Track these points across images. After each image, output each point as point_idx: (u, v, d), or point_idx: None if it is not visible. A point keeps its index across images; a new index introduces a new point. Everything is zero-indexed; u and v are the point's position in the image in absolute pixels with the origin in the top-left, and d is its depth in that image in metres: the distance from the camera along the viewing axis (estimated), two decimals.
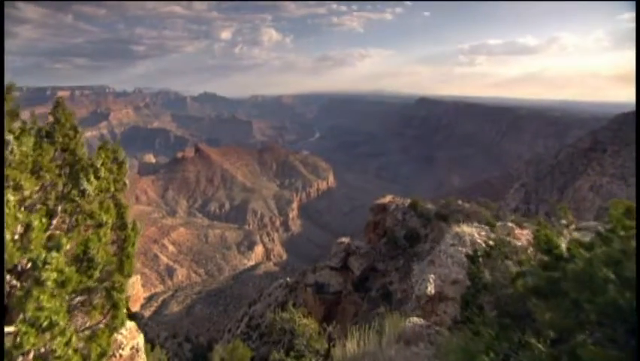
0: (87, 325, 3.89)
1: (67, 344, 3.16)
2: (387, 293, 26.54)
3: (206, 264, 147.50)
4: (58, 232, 3.78)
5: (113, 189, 4.44)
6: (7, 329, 3.13)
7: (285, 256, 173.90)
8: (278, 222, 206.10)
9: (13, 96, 4.06)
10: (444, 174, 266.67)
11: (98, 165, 4.20)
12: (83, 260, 3.52)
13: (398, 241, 29.45)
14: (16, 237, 3.17)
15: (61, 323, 3.08)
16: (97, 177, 4.13)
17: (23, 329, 2.88)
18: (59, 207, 3.89)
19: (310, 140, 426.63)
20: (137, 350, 5.81)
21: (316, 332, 7.74)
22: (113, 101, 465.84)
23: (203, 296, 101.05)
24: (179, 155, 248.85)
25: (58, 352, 3.17)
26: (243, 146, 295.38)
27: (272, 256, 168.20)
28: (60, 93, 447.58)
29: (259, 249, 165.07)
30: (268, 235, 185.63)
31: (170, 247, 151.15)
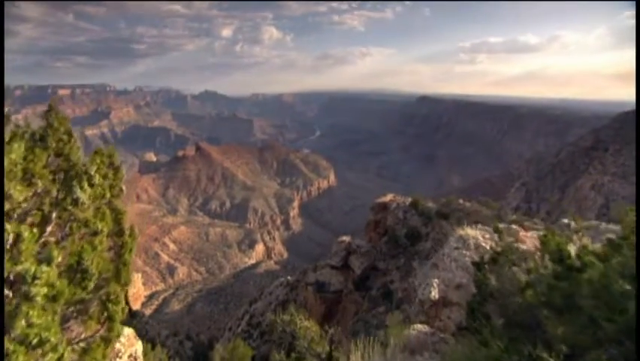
0: (82, 336, 3.76)
1: (60, 360, 3.03)
2: (387, 292, 26.51)
3: (207, 262, 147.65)
4: (53, 238, 3.68)
5: (108, 195, 4.31)
6: None
7: (285, 255, 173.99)
8: (279, 221, 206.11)
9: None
10: (445, 172, 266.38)
11: (92, 172, 4.07)
12: (76, 271, 3.40)
13: (399, 239, 29.40)
14: (7, 247, 3.02)
15: (53, 339, 2.96)
16: (91, 185, 4.00)
17: (12, 347, 2.75)
18: (54, 214, 3.78)
19: (311, 138, 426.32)
20: (136, 358, 5.68)
21: (318, 335, 7.66)
22: (114, 99, 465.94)
23: (204, 294, 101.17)
24: (180, 153, 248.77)
25: None
26: (243, 144, 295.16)
27: (273, 255, 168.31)
28: (61, 92, 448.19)
29: (260, 247, 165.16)
30: (269, 233, 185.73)
31: (171, 246, 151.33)
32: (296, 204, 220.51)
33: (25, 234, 3.06)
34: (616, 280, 2.62)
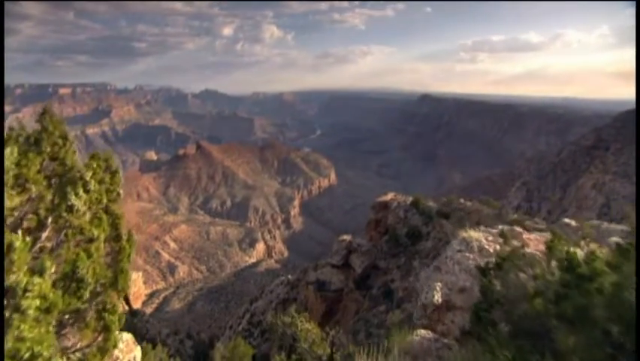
0: (78, 346, 3.66)
1: None
2: (388, 291, 26.47)
3: (208, 261, 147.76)
4: (49, 244, 3.60)
5: (105, 200, 4.22)
6: None
7: (286, 254, 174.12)
8: (279, 220, 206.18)
9: None
10: (445, 171, 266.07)
11: (88, 178, 3.97)
12: (72, 280, 3.32)
13: (400, 238, 29.33)
14: None
15: (46, 353, 2.85)
16: (86, 191, 3.91)
17: None
18: (50, 219, 3.69)
19: (311, 137, 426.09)
20: None
21: (319, 338, 7.61)
22: (115, 98, 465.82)
23: (205, 293, 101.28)
24: (181, 152, 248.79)
25: None
26: (244, 143, 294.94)
27: (273, 254, 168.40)
28: (62, 90, 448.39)
29: (260, 246, 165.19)
30: (269, 232, 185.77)
31: (172, 244, 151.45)
32: (296, 202, 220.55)
33: (17, 243, 2.95)
34: (631, 293, 2.53)
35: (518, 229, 9.41)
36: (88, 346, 3.65)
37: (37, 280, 2.94)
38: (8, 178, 3.17)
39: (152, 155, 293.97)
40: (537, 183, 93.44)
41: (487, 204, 30.76)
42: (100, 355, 3.65)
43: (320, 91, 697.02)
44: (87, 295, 3.48)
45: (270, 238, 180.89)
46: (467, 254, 7.40)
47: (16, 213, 3.39)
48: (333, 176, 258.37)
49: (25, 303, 2.83)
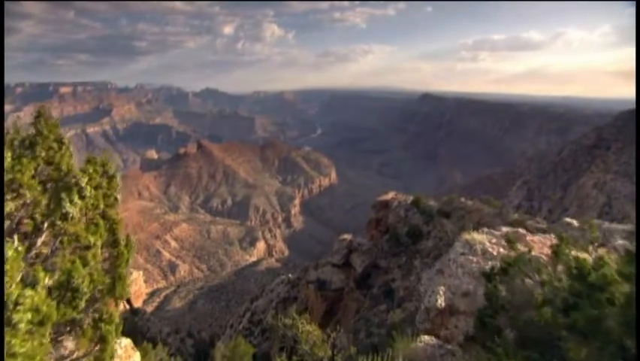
0: (75, 356, 3.59)
1: None
2: (389, 290, 26.44)
3: (209, 260, 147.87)
4: (45, 250, 3.52)
5: (102, 205, 4.12)
6: None
7: (286, 253, 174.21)
8: (280, 219, 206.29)
9: None
10: (446, 170, 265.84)
11: (83, 184, 3.85)
12: (67, 289, 3.23)
13: (400, 238, 29.27)
14: None
15: None
16: (82, 197, 3.80)
17: None
18: (45, 224, 3.60)
19: (312, 136, 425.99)
20: None
21: (320, 340, 7.56)
22: (116, 97, 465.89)
23: (206, 292, 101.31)
24: (182, 151, 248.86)
25: None
26: (245, 142, 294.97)
27: (274, 253, 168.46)
28: (62, 89, 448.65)
29: (261, 245, 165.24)
30: (270, 231, 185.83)
31: (173, 243, 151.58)
32: (297, 201, 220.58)
33: (10, 253, 2.83)
34: None
35: (522, 231, 9.29)
36: (85, 355, 3.55)
37: (29, 292, 2.84)
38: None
39: (152, 154, 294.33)
40: (538, 182, 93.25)
41: (488, 204, 30.64)
42: None
43: (321, 90, 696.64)
44: (83, 304, 3.40)
45: (271, 236, 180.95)
46: (470, 257, 7.27)
47: (7, 222, 3.30)
48: (333, 175, 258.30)
49: (16, 317, 2.71)
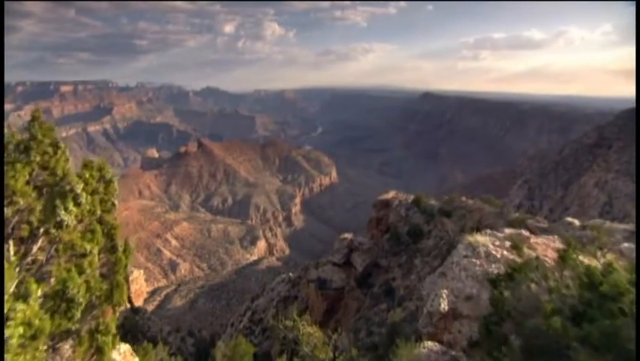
0: None
1: None
2: (389, 289, 26.43)
3: (209, 258, 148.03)
4: (41, 256, 3.44)
5: (99, 211, 4.03)
6: None
7: (287, 251, 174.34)
8: (280, 218, 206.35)
9: None
10: (447, 169, 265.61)
11: (79, 190, 3.74)
12: (62, 300, 3.14)
13: (401, 237, 29.24)
14: None
15: None
16: (77, 204, 3.70)
17: None
18: (41, 230, 3.51)
19: (313, 135, 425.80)
20: None
21: (321, 341, 7.51)
22: (116, 95, 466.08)
23: (206, 291, 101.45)
24: (182, 150, 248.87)
25: None
26: (245, 141, 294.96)
27: (274, 251, 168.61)
28: (63, 88, 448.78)
29: (262, 244, 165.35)
30: (271, 229, 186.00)
31: (173, 242, 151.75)
32: (298, 200, 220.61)
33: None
34: None
35: (525, 232, 9.19)
36: None
37: (20, 306, 2.74)
38: None
39: (153, 152, 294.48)
40: (539, 181, 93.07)
41: (489, 203, 30.55)
42: None
43: (321, 89, 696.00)
44: (78, 315, 3.32)
45: (272, 235, 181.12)
46: (474, 260, 7.19)
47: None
48: (334, 174, 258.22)
49: (7, 332, 2.62)
